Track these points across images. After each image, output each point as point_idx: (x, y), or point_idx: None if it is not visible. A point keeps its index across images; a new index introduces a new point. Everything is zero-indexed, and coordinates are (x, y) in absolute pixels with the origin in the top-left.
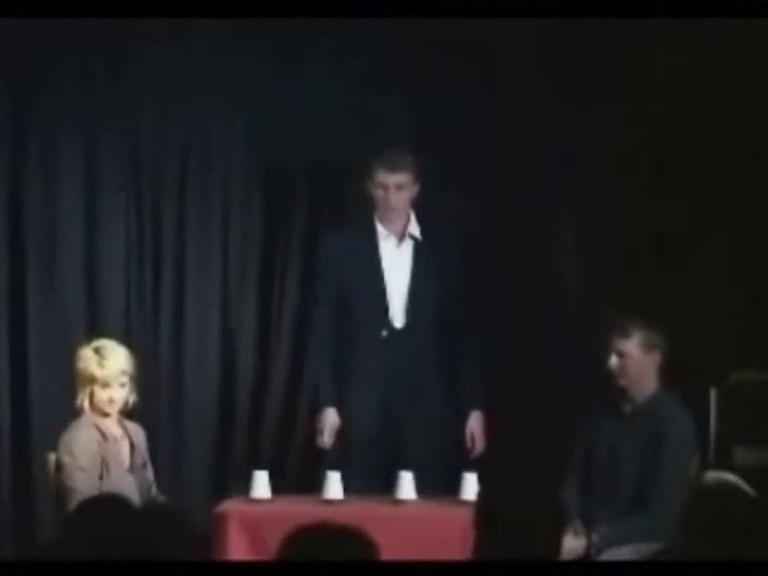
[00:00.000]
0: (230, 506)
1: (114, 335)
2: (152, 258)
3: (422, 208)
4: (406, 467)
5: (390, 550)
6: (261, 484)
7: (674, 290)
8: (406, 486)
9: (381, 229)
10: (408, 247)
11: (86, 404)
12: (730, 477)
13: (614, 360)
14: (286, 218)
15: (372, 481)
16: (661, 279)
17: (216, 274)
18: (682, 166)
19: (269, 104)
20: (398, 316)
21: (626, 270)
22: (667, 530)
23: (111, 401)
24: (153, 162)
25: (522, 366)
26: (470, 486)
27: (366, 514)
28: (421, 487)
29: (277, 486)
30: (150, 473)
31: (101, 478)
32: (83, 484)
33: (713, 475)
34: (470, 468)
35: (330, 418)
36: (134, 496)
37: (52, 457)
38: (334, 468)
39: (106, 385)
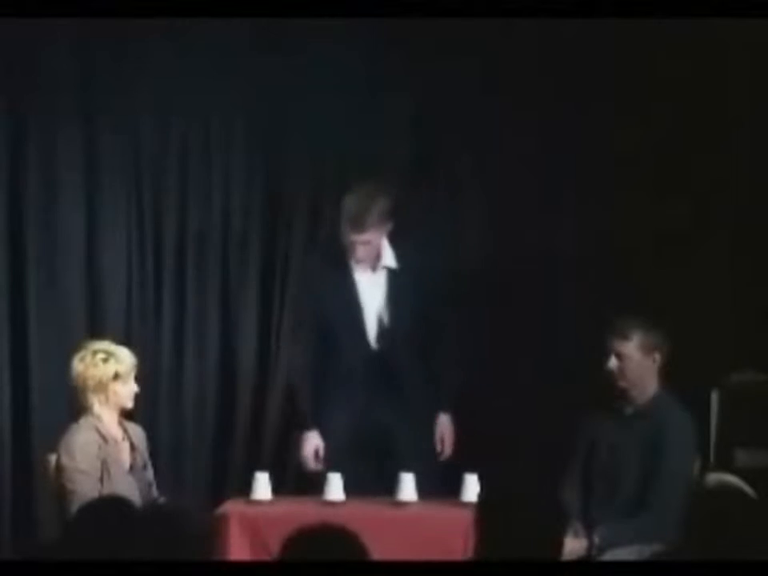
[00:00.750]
0: (231, 508)
1: (114, 335)
2: (152, 258)
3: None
4: (401, 471)
5: (390, 552)
6: (261, 485)
7: (674, 291)
8: (407, 487)
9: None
10: (381, 276)
11: (96, 406)
12: (731, 478)
13: (613, 362)
14: (286, 219)
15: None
16: (661, 280)
17: (216, 274)
18: (682, 166)
19: (269, 104)
20: (373, 337)
21: (626, 270)
22: (668, 531)
23: (132, 395)
24: (153, 161)
25: (522, 366)
26: (471, 487)
27: (366, 515)
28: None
29: (277, 488)
30: (150, 474)
31: (101, 480)
32: (84, 487)
33: (714, 477)
34: (462, 470)
35: (313, 441)
36: (135, 497)
37: (52, 458)
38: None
39: (126, 380)
